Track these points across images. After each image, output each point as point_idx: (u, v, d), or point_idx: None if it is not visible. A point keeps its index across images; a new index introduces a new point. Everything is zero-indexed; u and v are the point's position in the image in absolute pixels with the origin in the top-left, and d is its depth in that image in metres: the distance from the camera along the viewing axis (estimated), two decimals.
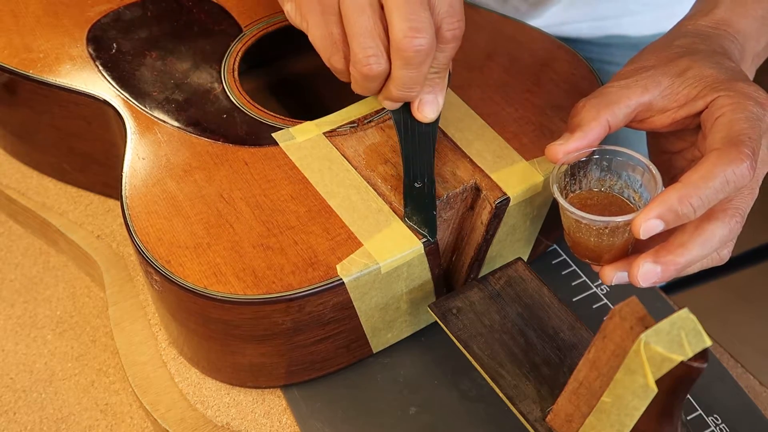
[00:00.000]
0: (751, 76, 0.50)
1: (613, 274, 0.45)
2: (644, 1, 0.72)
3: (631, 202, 0.46)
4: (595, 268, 0.47)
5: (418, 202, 0.46)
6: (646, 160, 0.46)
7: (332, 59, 0.45)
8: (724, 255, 0.46)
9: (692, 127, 0.46)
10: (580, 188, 0.47)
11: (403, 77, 0.44)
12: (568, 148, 0.45)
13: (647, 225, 0.40)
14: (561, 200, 0.44)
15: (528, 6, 0.71)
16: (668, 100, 0.45)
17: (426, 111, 0.47)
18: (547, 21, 0.71)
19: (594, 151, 0.46)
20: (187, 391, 0.51)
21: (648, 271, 0.42)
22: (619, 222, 0.43)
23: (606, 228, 0.44)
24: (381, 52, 0.43)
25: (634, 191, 0.46)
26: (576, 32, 0.73)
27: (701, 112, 0.44)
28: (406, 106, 0.47)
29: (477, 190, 0.49)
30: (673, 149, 0.48)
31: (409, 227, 0.46)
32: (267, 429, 0.49)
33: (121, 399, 0.53)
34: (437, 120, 0.48)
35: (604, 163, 0.47)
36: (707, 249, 0.42)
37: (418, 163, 0.47)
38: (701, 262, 0.44)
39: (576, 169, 0.47)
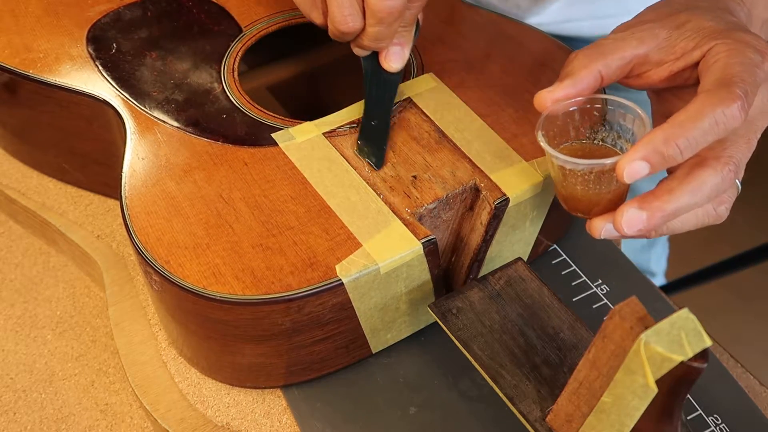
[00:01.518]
0: None
1: (602, 226, 0.43)
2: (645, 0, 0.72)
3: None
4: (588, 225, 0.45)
5: (371, 137, 0.51)
6: (635, 107, 0.44)
7: (312, 15, 0.50)
8: (722, 212, 0.43)
9: (691, 83, 0.44)
10: (570, 140, 0.46)
11: (375, 33, 0.48)
12: (556, 95, 0.44)
13: (631, 167, 0.39)
14: (545, 145, 0.43)
15: (529, 3, 0.71)
16: (665, 52, 0.44)
17: (392, 61, 0.51)
18: (548, 18, 0.71)
19: (584, 100, 0.44)
20: (187, 391, 0.51)
21: (632, 217, 0.40)
22: (603, 165, 0.41)
23: (591, 173, 0.42)
24: (357, 12, 0.47)
25: (627, 141, 0.45)
26: (577, 30, 0.73)
27: (698, 63, 0.42)
28: (375, 55, 0.52)
29: (476, 190, 0.49)
30: (675, 110, 0.47)
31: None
32: (267, 429, 0.49)
33: (121, 399, 0.53)
34: (401, 71, 0.52)
35: (595, 113, 0.45)
36: (697, 197, 0.40)
37: (378, 107, 0.52)
38: (696, 218, 0.43)
39: (566, 119, 0.45)
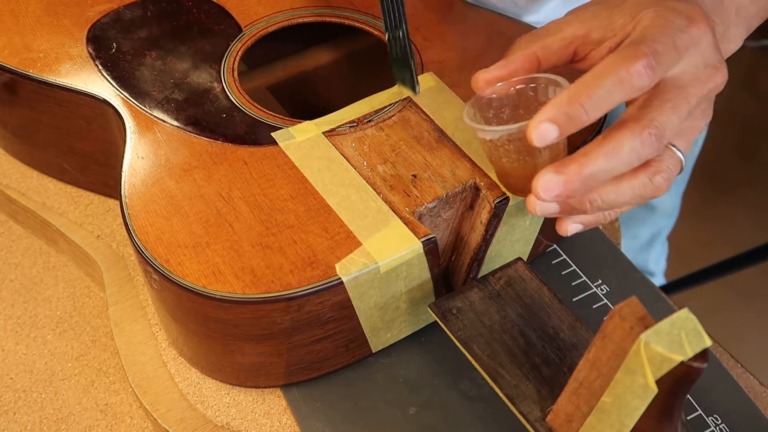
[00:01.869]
0: (742, 32, 0.48)
1: (535, 201, 0.42)
2: None
3: None
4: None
5: (398, 57, 0.51)
6: (559, 78, 0.43)
7: None
8: (659, 182, 0.41)
9: None
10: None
11: None
12: (488, 76, 0.43)
13: (539, 130, 0.38)
14: (465, 119, 0.42)
15: (526, 1, 0.71)
16: (605, 30, 0.43)
17: None
18: (546, 16, 0.71)
19: (523, 80, 0.44)
20: (187, 391, 0.51)
21: (549, 181, 0.39)
22: (511, 130, 0.40)
23: (510, 143, 0.41)
24: None
25: None
26: None
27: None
28: None
29: (476, 189, 0.49)
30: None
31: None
32: (267, 429, 0.49)
33: (121, 399, 0.53)
34: None
35: (531, 93, 0.45)
36: (615, 161, 0.39)
37: (392, 14, 0.51)
38: (632, 189, 0.41)
39: (504, 103, 0.45)
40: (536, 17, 0.71)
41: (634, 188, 0.41)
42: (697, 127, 0.43)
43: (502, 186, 0.46)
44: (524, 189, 0.44)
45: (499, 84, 0.45)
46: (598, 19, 0.43)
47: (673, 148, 0.42)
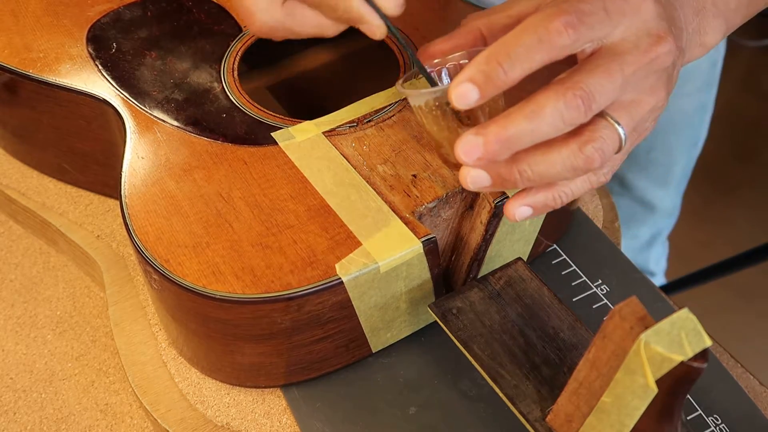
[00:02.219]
0: (720, 24, 0.46)
1: (465, 172, 0.40)
2: None
3: None
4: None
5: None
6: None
7: None
8: (589, 152, 0.39)
9: None
10: None
11: None
12: (430, 48, 0.43)
13: (459, 90, 0.37)
14: (398, 86, 0.42)
15: None
16: (555, 4, 0.41)
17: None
18: None
19: (466, 54, 0.43)
20: (187, 391, 0.51)
21: (468, 142, 0.38)
22: (434, 92, 0.39)
23: (436, 108, 0.41)
24: None
25: None
26: None
27: None
28: None
29: None
30: None
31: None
32: (267, 429, 0.49)
33: (121, 399, 0.53)
34: None
35: None
36: (536, 122, 0.37)
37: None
38: (562, 159, 0.39)
39: (451, 76, 0.44)
40: None
41: (564, 158, 0.39)
42: (643, 104, 0.41)
43: (438, 157, 0.45)
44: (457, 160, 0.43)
45: (444, 58, 0.44)
46: None
47: (611, 120, 0.40)
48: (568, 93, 0.37)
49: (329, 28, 0.46)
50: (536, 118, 0.37)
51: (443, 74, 0.45)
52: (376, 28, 0.44)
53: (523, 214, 0.43)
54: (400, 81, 0.44)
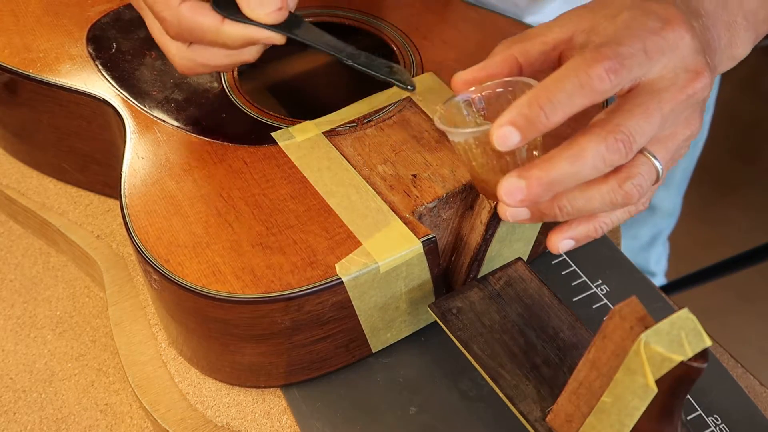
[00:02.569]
0: (750, 36, 0.46)
1: (505, 207, 0.40)
2: None
3: None
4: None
5: (375, 65, 0.49)
6: (533, 81, 0.42)
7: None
8: (629, 189, 0.40)
9: None
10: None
11: None
12: (465, 77, 0.42)
13: (500, 133, 0.37)
14: (435, 120, 0.42)
15: (527, 1, 0.71)
16: (589, 34, 0.41)
17: (259, 11, 0.46)
18: (547, 16, 0.71)
19: (501, 83, 0.43)
20: (187, 391, 0.51)
21: (511, 186, 0.38)
22: (475, 133, 0.40)
23: (477, 147, 0.41)
24: None
25: None
26: None
27: None
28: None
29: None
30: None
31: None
32: (267, 429, 0.49)
33: (121, 399, 0.53)
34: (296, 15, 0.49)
35: (509, 96, 0.44)
36: (578, 166, 0.37)
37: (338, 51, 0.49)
38: (601, 196, 0.40)
39: (484, 105, 0.44)
40: (537, 18, 0.71)
41: (603, 194, 0.40)
42: (679, 135, 0.42)
43: (480, 192, 0.45)
44: (495, 194, 0.43)
45: (480, 86, 0.44)
46: (581, 23, 0.42)
47: (649, 155, 0.40)
48: (609, 137, 0.37)
49: (242, 55, 0.48)
50: (578, 161, 0.37)
51: (478, 101, 0.44)
52: (274, 40, 0.47)
53: (566, 247, 0.43)
54: (437, 117, 0.43)
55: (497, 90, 0.44)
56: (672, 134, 0.41)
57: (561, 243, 0.43)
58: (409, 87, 0.49)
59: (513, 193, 0.38)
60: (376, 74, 0.49)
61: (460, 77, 0.43)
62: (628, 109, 0.38)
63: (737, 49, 0.47)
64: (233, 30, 0.46)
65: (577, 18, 0.42)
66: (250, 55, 0.49)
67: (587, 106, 0.38)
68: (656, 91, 0.39)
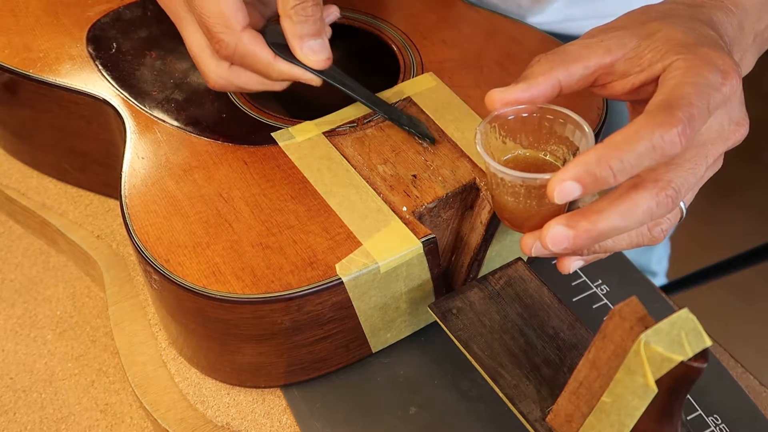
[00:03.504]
0: (755, 56, 0.47)
1: (532, 243, 0.40)
2: None
3: None
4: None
5: (399, 121, 0.52)
6: (583, 122, 0.42)
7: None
8: (657, 234, 0.41)
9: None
10: (521, 147, 0.44)
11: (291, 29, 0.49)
12: (507, 97, 0.41)
13: (563, 187, 0.36)
14: (479, 147, 0.41)
15: (530, 2, 0.71)
16: (631, 63, 0.41)
17: (311, 57, 0.49)
18: (549, 17, 0.71)
19: (538, 108, 0.42)
20: (187, 391, 0.51)
21: (558, 234, 0.38)
22: (534, 180, 0.39)
23: (522, 186, 0.40)
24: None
25: (573, 156, 0.42)
26: (578, 30, 0.73)
27: (659, 77, 0.40)
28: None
29: (476, 189, 0.49)
30: None
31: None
32: (267, 429, 0.49)
33: (121, 399, 0.53)
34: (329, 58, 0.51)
35: (546, 123, 0.43)
36: (628, 221, 0.38)
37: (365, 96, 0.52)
38: (630, 239, 0.41)
39: (518, 125, 0.43)
40: (540, 18, 0.71)
41: (632, 237, 0.41)
42: (706, 178, 0.42)
43: (498, 216, 0.45)
44: (521, 227, 0.43)
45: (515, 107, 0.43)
46: (623, 50, 0.41)
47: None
48: (661, 194, 0.38)
49: (274, 86, 0.51)
50: (629, 216, 0.38)
51: (497, 128, 0.43)
52: (313, 81, 0.51)
53: (576, 267, 0.44)
54: (479, 146, 0.41)
55: (533, 114, 0.43)
56: (702, 178, 0.41)
57: (572, 264, 0.43)
58: (427, 139, 0.51)
59: (560, 242, 0.38)
60: (400, 125, 0.52)
61: (501, 97, 0.42)
62: (678, 164, 0.39)
63: (744, 67, 0.47)
64: (282, 67, 0.49)
65: (618, 43, 0.42)
66: (282, 86, 0.52)
67: (652, 166, 0.38)
68: (703, 144, 0.40)
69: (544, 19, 0.71)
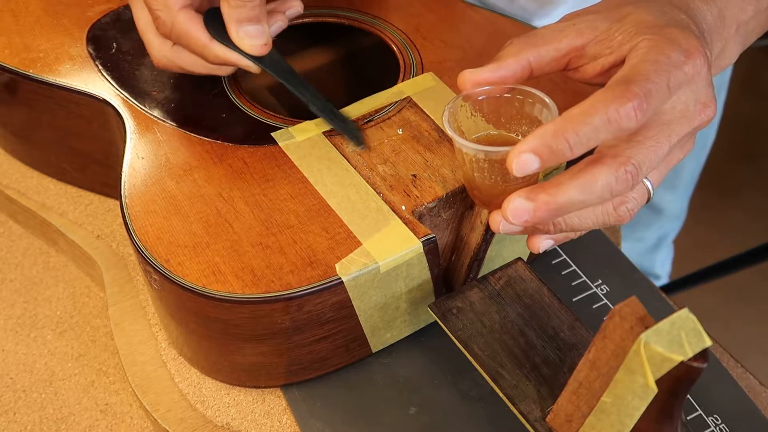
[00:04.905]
0: (739, 48, 0.47)
1: (499, 219, 0.41)
2: None
3: None
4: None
5: (331, 118, 0.51)
6: (547, 99, 0.42)
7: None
8: (623, 212, 0.41)
9: None
10: (493, 127, 0.44)
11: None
12: (477, 77, 0.42)
13: (520, 159, 0.37)
14: (445, 122, 0.42)
15: (536, 6, 0.71)
16: (602, 46, 0.42)
17: (246, 42, 0.49)
18: (555, 21, 0.71)
19: (509, 89, 0.43)
20: (187, 391, 0.51)
21: (518, 206, 0.38)
22: (495, 153, 0.40)
23: (485, 161, 0.41)
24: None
25: None
26: None
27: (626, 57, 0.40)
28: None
29: None
30: None
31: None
32: (267, 429, 0.49)
33: (121, 399, 0.53)
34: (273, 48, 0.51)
35: (516, 104, 0.43)
36: (587, 194, 0.38)
37: (299, 87, 0.52)
38: (595, 217, 0.41)
39: (492, 106, 0.44)
40: (546, 22, 0.71)
41: (597, 215, 0.41)
42: (674, 161, 0.42)
43: (471, 196, 0.46)
44: (489, 204, 0.44)
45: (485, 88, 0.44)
46: (595, 33, 0.42)
47: (645, 182, 0.42)
48: (620, 169, 0.38)
49: (216, 69, 0.52)
50: (588, 190, 0.38)
51: (481, 102, 0.44)
52: (251, 68, 0.50)
53: (546, 246, 0.44)
54: (446, 122, 0.42)
55: (504, 95, 0.43)
56: (668, 160, 0.42)
57: (542, 243, 0.44)
58: (359, 146, 0.50)
59: (520, 215, 0.38)
60: (331, 125, 0.51)
61: (471, 77, 0.43)
62: (638, 141, 0.39)
63: (726, 60, 0.47)
64: (218, 50, 0.49)
65: (589, 26, 0.42)
66: (225, 72, 0.52)
67: (608, 140, 0.38)
68: (667, 123, 0.40)
69: (549, 22, 0.71)
